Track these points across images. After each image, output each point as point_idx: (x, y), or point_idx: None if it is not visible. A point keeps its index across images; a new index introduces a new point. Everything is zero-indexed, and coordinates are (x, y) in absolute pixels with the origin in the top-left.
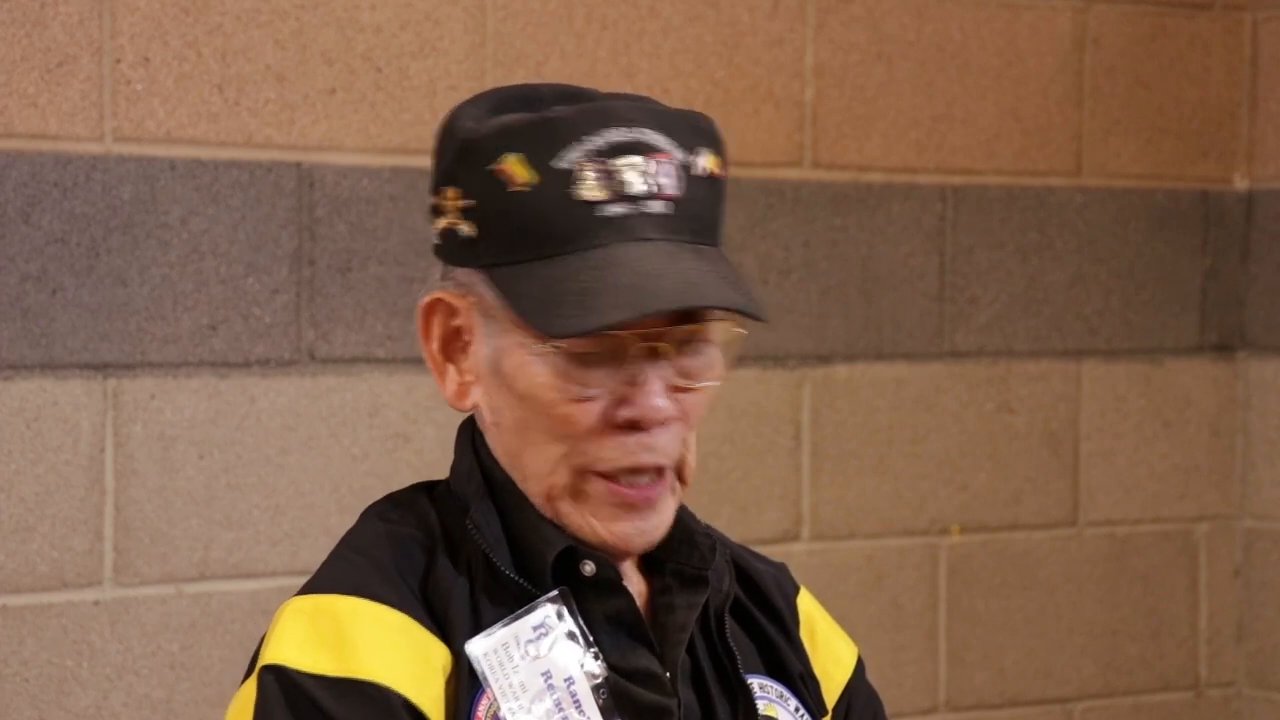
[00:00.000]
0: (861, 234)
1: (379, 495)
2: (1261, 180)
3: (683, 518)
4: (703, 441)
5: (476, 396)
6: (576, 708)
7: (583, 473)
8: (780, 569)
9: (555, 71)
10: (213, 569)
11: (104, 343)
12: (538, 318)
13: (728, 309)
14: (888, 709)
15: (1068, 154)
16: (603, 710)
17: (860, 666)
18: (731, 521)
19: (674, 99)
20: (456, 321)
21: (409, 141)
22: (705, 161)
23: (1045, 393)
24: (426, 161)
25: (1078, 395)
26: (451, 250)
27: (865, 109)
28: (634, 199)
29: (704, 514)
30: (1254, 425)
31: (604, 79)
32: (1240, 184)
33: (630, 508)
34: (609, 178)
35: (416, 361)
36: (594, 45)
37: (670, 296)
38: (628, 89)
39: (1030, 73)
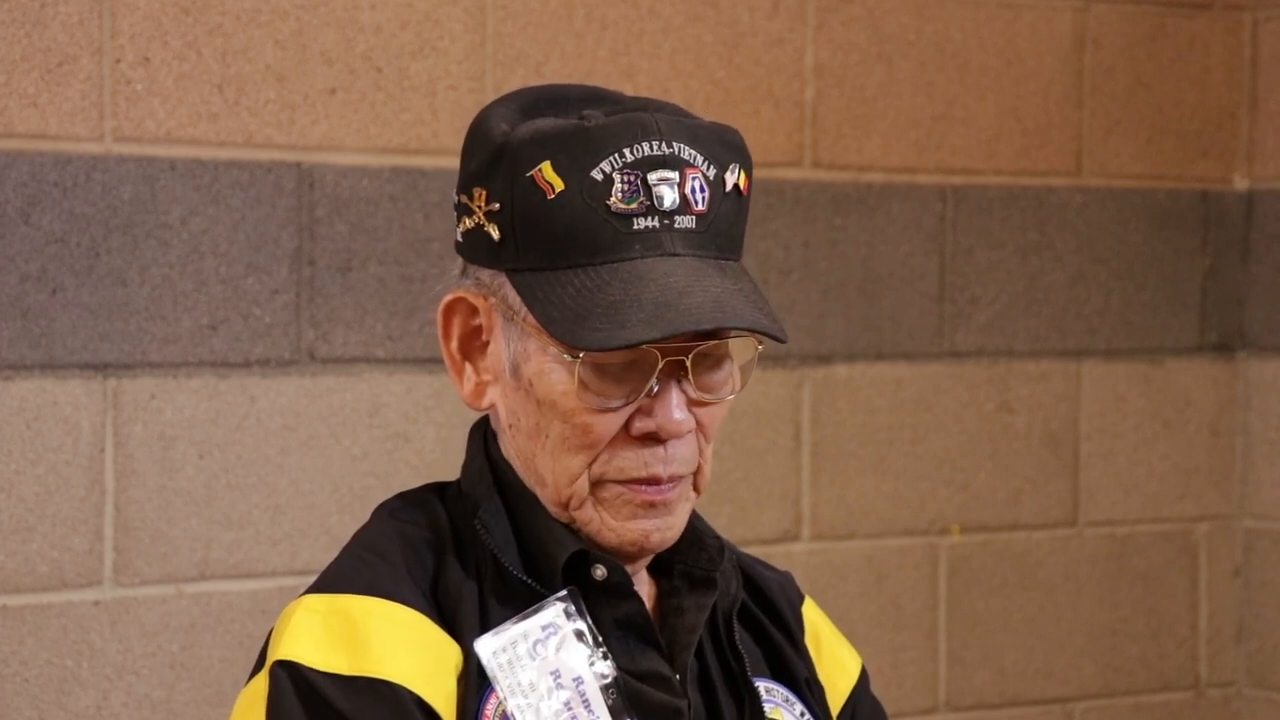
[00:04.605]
0: (861, 234)
1: (379, 495)
2: (1261, 180)
3: (692, 521)
4: None
5: (493, 397)
6: (585, 707)
7: (599, 482)
8: (786, 577)
9: (555, 71)
10: (213, 569)
11: (104, 343)
12: (565, 330)
13: (753, 331)
14: (888, 709)
15: (1068, 154)
16: (612, 710)
17: (865, 677)
18: (731, 521)
19: (674, 99)
20: (476, 321)
21: (409, 141)
22: (734, 178)
23: (1045, 393)
24: (427, 161)
25: (1078, 395)
26: (476, 251)
27: (865, 109)
28: (665, 213)
29: (703, 514)
30: (1254, 425)
31: (604, 79)
32: (1240, 184)
33: (648, 506)
34: (641, 190)
35: (416, 361)
36: (594, 45)
37: (699, 316)
38: (628, 89)
39: (1030, 73)
